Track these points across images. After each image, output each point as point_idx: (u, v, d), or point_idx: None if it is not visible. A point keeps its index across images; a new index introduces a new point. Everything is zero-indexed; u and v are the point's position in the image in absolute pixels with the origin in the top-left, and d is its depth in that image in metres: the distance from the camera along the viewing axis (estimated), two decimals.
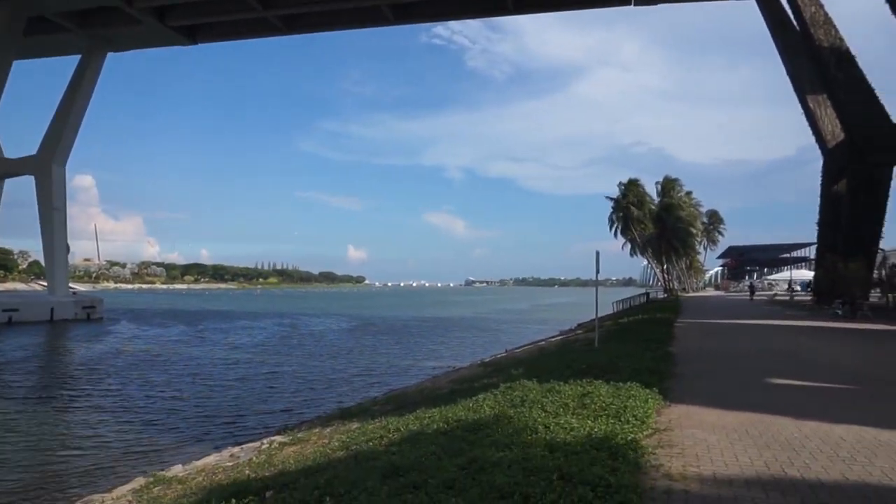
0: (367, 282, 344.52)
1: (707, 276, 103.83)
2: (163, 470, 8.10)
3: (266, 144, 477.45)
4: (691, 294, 64.46)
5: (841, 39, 26.74)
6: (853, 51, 26.68)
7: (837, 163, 28.32)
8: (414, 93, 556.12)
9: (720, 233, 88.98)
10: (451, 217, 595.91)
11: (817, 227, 30.66)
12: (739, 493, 4.05)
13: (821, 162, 29.90)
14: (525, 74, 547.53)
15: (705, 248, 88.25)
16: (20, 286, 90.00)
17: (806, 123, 29.84)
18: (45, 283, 50.79)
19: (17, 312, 39.48)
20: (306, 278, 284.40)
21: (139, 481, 7.45)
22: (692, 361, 10.94)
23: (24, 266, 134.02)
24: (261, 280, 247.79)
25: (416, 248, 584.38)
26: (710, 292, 76.22)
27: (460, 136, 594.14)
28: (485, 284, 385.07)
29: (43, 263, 54.55)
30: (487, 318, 55.55)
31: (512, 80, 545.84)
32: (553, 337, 26.36)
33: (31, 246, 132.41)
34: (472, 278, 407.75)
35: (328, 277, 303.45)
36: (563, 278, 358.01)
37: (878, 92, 26.23)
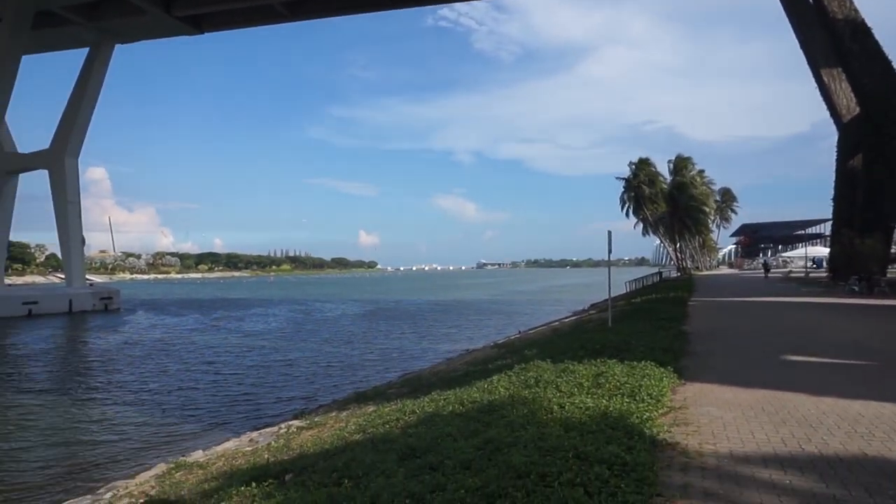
0: (379, 267, 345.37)
1: (720, 254, 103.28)
2: (184, 456, 8.24)
3: (275, 132, 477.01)
4: (705, 273, 64.04)
5: (856, 11, 26.09)
6: (868, 23, 26.07)
7: (853, 137, 27.81)
8: (421, 76, 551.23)
9: (733, 210, 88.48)
10: (462, 200, 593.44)
11: (833, 203, 30.24)
12: (756, 470, 4.04)
13: (836, 137, 29.40)
14: (533, 55, 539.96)
15: (718, 227, 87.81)
16: (38, 279, 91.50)
17: (820, 98, 29.30)
18: (63, 276, 51.53)
19: (37, 305, 40.27)
20: (319, 264, 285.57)
21: (161, 467, 7.59)
22: (707, 340, 10.90)
23: (42, 259, 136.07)
24: (274, 267, 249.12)
25: (428, 232, 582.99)
26: (724, 270, 75.68)
27: (469, 119, 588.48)
28: (497, 267, 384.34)
29: (60, 256, 55.27)
30: (500, 301, 55.56)
31: (520, 60, 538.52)
32: (566, 318, 26.41)
33: (47, 239, 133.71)
34: (483, 261, 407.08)
35: (340, 263, 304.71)
36: (575, 259, 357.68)
37: (894, 64, 25.66)
